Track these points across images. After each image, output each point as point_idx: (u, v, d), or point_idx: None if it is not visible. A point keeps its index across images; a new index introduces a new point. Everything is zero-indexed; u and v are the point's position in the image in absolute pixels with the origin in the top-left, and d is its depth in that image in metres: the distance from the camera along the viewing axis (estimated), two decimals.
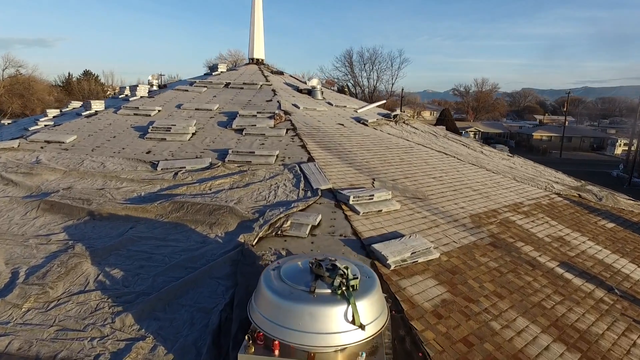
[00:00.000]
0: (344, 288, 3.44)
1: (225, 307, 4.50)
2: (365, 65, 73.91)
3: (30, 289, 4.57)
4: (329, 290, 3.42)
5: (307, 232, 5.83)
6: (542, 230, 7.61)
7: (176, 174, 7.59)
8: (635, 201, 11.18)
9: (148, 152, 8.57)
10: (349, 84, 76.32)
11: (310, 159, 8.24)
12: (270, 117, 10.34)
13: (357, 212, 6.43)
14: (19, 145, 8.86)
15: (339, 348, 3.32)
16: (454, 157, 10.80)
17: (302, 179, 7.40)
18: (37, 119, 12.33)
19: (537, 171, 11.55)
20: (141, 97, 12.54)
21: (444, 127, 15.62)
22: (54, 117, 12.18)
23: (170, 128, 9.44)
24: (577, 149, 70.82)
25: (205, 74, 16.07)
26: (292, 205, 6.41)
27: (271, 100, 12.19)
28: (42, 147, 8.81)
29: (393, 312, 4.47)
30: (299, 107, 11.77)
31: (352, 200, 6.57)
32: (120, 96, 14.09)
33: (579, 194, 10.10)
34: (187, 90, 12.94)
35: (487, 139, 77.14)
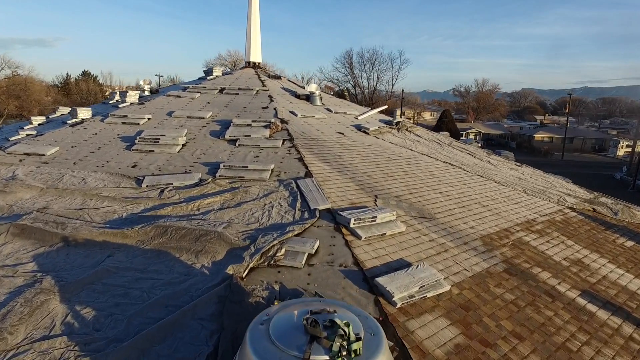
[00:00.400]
0: (344, 354, 2.86)
1: (207, 358, 3.92)
2: (365, 66, 73.38)
3: None
4: (326, 357, 2.84)
5: (304, 262, 5.25)
6: (559, 252, 7.03)
7: (162, 191, 7.01)
8: None
9: (134, 166, 7.98)
10: (349, 85, 75.79)
11: (308, 174, 7.66)
12: (265, 127, 9.75)
13: (359, 237, 5.85)
14: None
15: None
16: (460, 168, 10.22)
17: (298, 197, 6.82)
18: (22, 126, 11.74)
19: (547, 182, 10.97)
20: (131, 103, 11.96)
21: (448, 134, 15.03)
22: (38, 124, 11.60)
23: (159, 139, 8.85)
24: (579, 150, 70.27)
25: (199, 78, 15.48)
26: (287, 230, 5.82)
27: (267, 107, 11.60)
28: (20, 160, 8.22)
29: None
30: (296, 115, 11.18)
31: (353, 224, 5.99)
32: (110, 102, 13.50)
33: (593, 208, 9.52)
34: (179, 96, 12.36)
35: (488, 140, 76.64)
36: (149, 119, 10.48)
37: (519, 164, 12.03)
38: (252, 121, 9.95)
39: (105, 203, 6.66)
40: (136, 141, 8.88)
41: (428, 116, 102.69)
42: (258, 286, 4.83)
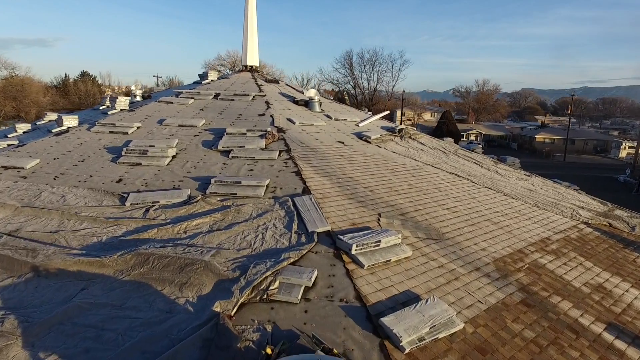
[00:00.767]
0: None
1: None
2: (365, 67, 72.87)
3: None
4: None
5: (300, 296, 4.69)
6: (578, 277, 6.47)
7: (147, 210, 6.45)
8: None
9: (119, 181, 7.43)
10: (349, 86, 75.24)
11: (306, 190, 7.11)
12: (261, 136, 9.20)
13: (362, 265, 5.29)
14: None
15: None
16: (468, 179, 9.66)
17: (295, 217, 6.26)
18: (6, 134, 11.20)
19: (558, 194, 10.41)
20: (121, 110, 11.40)
21: (452, 140, 14.49)
22: (23, 132, 11.05)
23: (147, 150, 8.29)
24: (581, 151, 69.73)
25: (194, 82, 14.92)
26: (282, 257, 5.27)
27: (264, 114, 11.05)
28: None
29: None
30: (294, 123, 10.63)
31: (355, 250, 5.43)
32: (100, 107, 12.95)
33: (609, 223, 8.96)
34: (171, 103, 11.80)
35: (489, 141, 76.10)
36: (138, 127, 9.92)
37: (527, 173, 11.47)
38: (247, 130, 9.40)
39: (84, 224, 6.10)
40: (123, 153, 8.32)
41: (428, 117, 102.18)
42: (248, 327, 4.28)
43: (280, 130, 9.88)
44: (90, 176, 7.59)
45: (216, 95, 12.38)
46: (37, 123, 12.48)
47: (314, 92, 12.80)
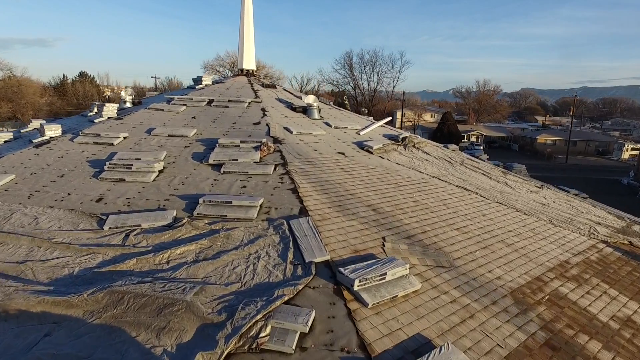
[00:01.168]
0: None
1: None
2: (366, 68, 72.30)
3: None
4: None
5: (294, 345, 4.07)
6: (604, 309, 5.86)
7: (127, 235, 5.83)
8: None
9: (99, 200, 6.80)
10: (349, 87, 74.64)
11: (303, 211, 6.49)
12: (256, 148, 8.58)
13: (365, 304, 4.67)
14: None
15: None
16: (477, 193, 9.04)
17: (290, 244, 5.64)
18: None
19: (572, 208, 9.80)
20: (108, 118, 10.78)
21: (457, 147, 13.87)
22: (5, 142, 10.42)
23: (132, 165, 7.66)
24: (582, 153, 69.15)
25: (188, 87, 14.30)
26: (276, 294, 4.65)
27: (259, 122, 10.43)
28: None
29: None
30: (291, 132, 10.01)
31: (358, 286, 4.81)
32: (89, 114, 12.33)
33: (629, 241, 8.35)
34: (162, 110, 11.17)
35: (490, 143, 75.51)
36: (124, 137, 9.30)
37: (538, 184, 10.86)
38: (241, 141, 8.78)
39: (55, 253, 5.47)
40: (105, 167, 7.70)
41: (429, 118, 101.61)
42: None
43: (276, 140, 9.26)
44: (69, 194, 6.96)
45: (210, 102, 11.76)
46: (22, 131, 11.86)
47: (313, 98, 12.18)
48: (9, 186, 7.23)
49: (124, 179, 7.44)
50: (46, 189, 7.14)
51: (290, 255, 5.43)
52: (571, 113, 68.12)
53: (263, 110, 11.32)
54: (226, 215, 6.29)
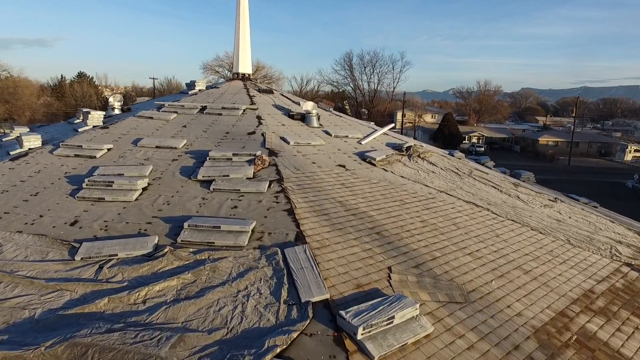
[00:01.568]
0: None
1: None
2: (366, 69, 71.63)
3: None
4: None
5: None
6: (639, 350, 5.21)
7: (101, 267, 5.17)
8: None
9: (74, 223, 6.14)
10: (349, 88, 73.98)
11: (299, 236, 5.83)
12: (249, 162, 7.93)
13: (371, 357, 4.02)
14: None
15: None
16: (488, 209, 8.38)
17: (285, 279, 4.98)
18: None
19: (590, 224, 9.14)
20: (94, 126, 10.11)
21: (464, 155, 13.22)
22: None
23: (113, 182, 7.00)
24: (585, 154, 68.51)
25: (180, 93, 13.64)
26: (266, 345, 3.99)
27: (254, 131, 9.77)
28: None
29: None
30: (288, 142, 9.35)
31: (362, 334, 4.16)
32: (76, 121, 11.67)
33: None
34: (151, 118, 10.51)
35: (491, 144, 74.87)
36: (108, 149, 8.64)
37: (552, 197, 10.20)
38: (233, 154, 8.12)
39: (17, 290, 4.81)
40: (84, 185, 7.03)
41: (429, 119, 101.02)
42: None
43: (272, 152, 8.61)
44: (41, 216, 6.30)
45: (202, 109, 11.10)
46: (3, 139, 11.19)
47: (312, 104, 11.52)
48: None
49: (104, 198, 6.78)
50: (16, 210, 6.47)
51: (284, 293, 4.77)
52: (573, 114, 67.37)
53: (259, 118, 10.66)
54: (213, 243, 5.63)
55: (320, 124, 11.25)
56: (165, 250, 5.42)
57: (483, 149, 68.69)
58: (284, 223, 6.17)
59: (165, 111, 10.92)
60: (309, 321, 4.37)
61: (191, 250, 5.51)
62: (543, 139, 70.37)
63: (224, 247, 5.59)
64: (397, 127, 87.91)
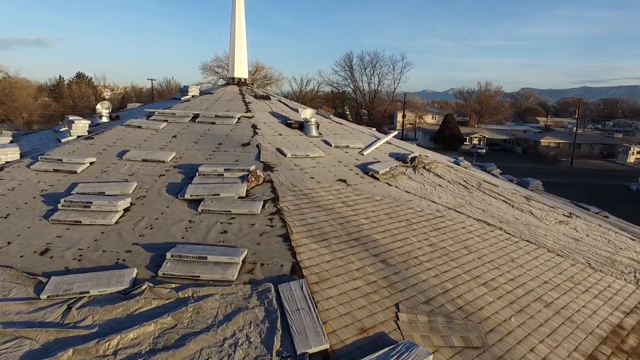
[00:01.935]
0: None
1: None
2: (366, 70, 71.04)
3: None
4: None
5: None
6: None
7: (70, 308, 4.54)
8: None
9: (44, 252, 5.51)
10: (349, 89, 73.37)
11: (296, 268, 5.21)
12: (242, 178, 7.31)
13: None
14: None
15: None
16: (500, 229, 7.76)
17: (278, 322, 4.36)
18: None
19: (609, 242, 8.51)
20: (78, 137, 9.49)
21: (469, 164, 12.61)
22: None
23: (91, 203, 6.37)
24: (587, 156, 67.90)
25: (173, 99, 13.02)
26: None
27: (249, 142, 9.15)
28: None
29: None
30: (285, 155, 8.72)
31: None
32: (61, 129, 11.04)
33: None
34: (140, 127, 9.88)
35: (492, 145, 74.26)
36: (91, 163, 8.01)
37: (567, 212, 9.58)
38: (225, 169, 7.50)
39: None
40: (60, 206, 6.41)
41: (430, 120, 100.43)
42: None
43: (267, 166, 7.99)
44: (9, 243, 5.67)
45: (194, 117, 10.47)
46: None
47: (310, 112, 10.90)
48: None
49: (80, 222, 6.15)
50: None
51: (277, 342, 4.14)
52: (576, 116, 66.71)
53: (254, 127, 10.03)
54: (199, 277, 5.01)
55: (319, 133, 10.63)
56: (144, 287, 4.79)
57: (484, 150, 68.11)
58: (279, 251, 5.54)
59: (155, 120, 10.29)
60: None
61: (173, 286, 4.88)
62: (545, 141, 69.80)
63: (211, 282, 4.97)
64: (397, 128, 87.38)
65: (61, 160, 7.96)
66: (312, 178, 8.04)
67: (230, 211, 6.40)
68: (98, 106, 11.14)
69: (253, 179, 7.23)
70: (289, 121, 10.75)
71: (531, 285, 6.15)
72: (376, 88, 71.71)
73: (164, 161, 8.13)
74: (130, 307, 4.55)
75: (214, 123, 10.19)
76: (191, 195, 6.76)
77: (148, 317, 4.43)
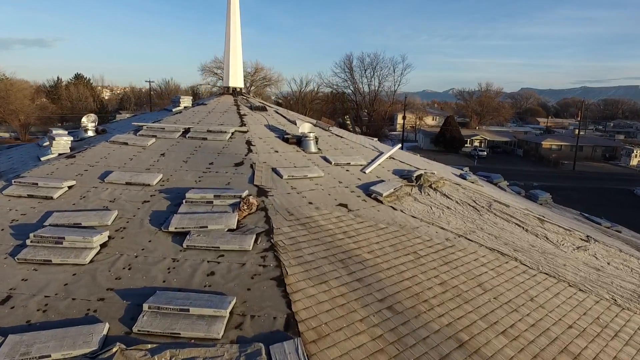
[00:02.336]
0: None
1: None
2: (366, 71, 70.36)
3: None
4: None
5: None
6: None
7: None
8: None
9: (5, 300, 4.85)
10: (349, 91, 72.70)
11: (290, 322, 4.55)
12: (233, 206, 6.66)
13: None
14: None
15: None
16: (515, 259, 7.12)
17: None
18: None
19: (632, 271, 7.87)
20: (59, 154, 8.83)
21: (477, 178, 11.97)
22: None
23: (63, 239, 5.71)
24: (589, 158, 67.31)
25: (164, 109, 12.36)
26: None
27: (242, 162, 8.50)
28: None
29: None
30: (281, 176, 8.07)
31: None
32: (44, 143, 10.38)
33: None
34: (126, 144, 9.22)
35: (494, 147, 73.66)
36: (69, 187, 7.36)
37: (584, 236, 8.93)
38: (215, 196, 6.85)
39: None
40: (29, 241, 5.75)
41: (430, 121, 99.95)
42: None
43: (261, 191, 7.34)
44: None
45: (185, 132, 9.82)
46: None
47: (309, 126, 10.24)
48: None
49: (50, 261, 5.49)
50: None
51: None
52: (578, 119, 66.17)
53: (248, 143, 9.38)
54: (179, 334, 4.35)
55: (318, 149, 9.98)
56: (114, 349, 4.13)
57: (485, 153, 67.50)
58: (272, 299, 4.89)
59: (142, 135, 9.64)
60: None
61: (149, 347, 4.23)
62: (546, 143, 69.21)
63: (193, 341, 4.31)
64: (397, 129, 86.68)
65: (37, 184, 7.30)
66: (311, 203, 7.39)
67: (218, 247, 5.75)
68: (84, 119, 10.48)
69: (245, 207, 6.58)
70: (285, 136, 10.10)
71: (555, 331, 5.51)
72: (376, 90, 71.04)
73: (149, 184, 7.47)
74: None
75: (205, 139, 9.53)
76: (176, 228, 6.11)
77: None
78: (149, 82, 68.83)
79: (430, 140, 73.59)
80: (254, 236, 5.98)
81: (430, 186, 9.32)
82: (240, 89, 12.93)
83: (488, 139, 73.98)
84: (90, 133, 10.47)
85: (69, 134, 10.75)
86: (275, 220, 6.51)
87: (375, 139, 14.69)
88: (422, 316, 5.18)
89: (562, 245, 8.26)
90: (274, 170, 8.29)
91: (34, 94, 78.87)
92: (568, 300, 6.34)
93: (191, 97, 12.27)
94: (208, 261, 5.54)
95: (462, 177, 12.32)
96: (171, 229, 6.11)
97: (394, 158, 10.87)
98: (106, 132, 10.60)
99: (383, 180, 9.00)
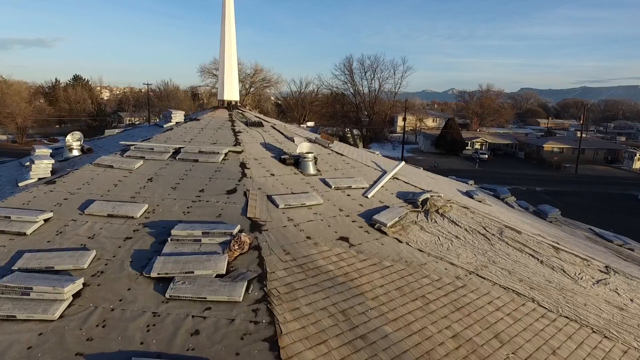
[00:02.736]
0: None
1: None
2: (366, 73, 69.75)
3: None
4: None
5: None
6: None
7: None
8: None
9: None
10: (349, 93, 72.08)
11: None
12: (223, 245, 6.05)
13: None
14: None
15: None
16: (532, 300, 6.52)
17: None
18: None
19: None
20: (39, 179, 8.22)
21: (485, 198, 11.38)
22: None
23: (31, 290, 5.10)
24: (591, 161, 66.79)
25: (155, 124, 11.74)
26: None
27: (235, 189, 7.89)
28: None
29: None
30: (277, 205, 7.46)
31: None
32: (26, 163, 9.76)
33: None
34: (111, 167, 8.61)
35: (495, 150, 73.09)
36: (45, 221, 6.75)
37: (603, 267, 8.32)
38: (203, 233, 6.24)
39: None
40: None
41: (430, 123, 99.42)
42: None
43: (255, 225, 6.74)
44: None
45: (175, 153, 9.20)
46: None
47: (307, 146, 9.60)
48: None
49: (15, 316, 4.88)
50: None
51: None
52: (581, 122, 65.67)
53: (243, 166, 8.77)
54: None
55: (317, 170, 9.37)
56: None
57: (487, 155, 66.96)
58: None
59: (130, 156, 9.02)
60: None
61: None
62: (548, 145, 68.74)
63: None
64: (397, 131, 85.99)
65: (9, 217, 6.68)
66: (309, 238, 6.78)
67: (205, 298, 5.14)
68: (68, 137, 9.86)
69: (236, 246, 5.97)
70: (283, 156, 9.49)
71: None
72: (376, 93, 70.42)
73: (132, 217, 6.86)
74: None
75: (197, 160, 8.92)
76: (159, 274, 5.49)
77: None
78: (147, 85, 68.16)
79: (431, 142, 73.04)
80: (245, 283, 5.37)
81: (437, 211, 8.71)
82: (236, 102, 12.32)
83: (489, 141, 73.42)
84: (75, 152, 9.86)
85: (54, 151, 10.18)
86: (269, 262, 5.90)
87: (377, 153, 14.08)
88: None
89: (581, 279, 7.65)
90: (270, 198, 7.68)
91: (32, 96, 78.11)
92: (593, 350, 5.73)
93: (183, 112, 11.64)
94: (193, 316, 4.92)
95: (469, 194, 11.73)
96: (153, 274, 5.49)
97: (397, 178, 10.26)
98: (92, 152, 9.98)
99: (387, 206, 8.40)
